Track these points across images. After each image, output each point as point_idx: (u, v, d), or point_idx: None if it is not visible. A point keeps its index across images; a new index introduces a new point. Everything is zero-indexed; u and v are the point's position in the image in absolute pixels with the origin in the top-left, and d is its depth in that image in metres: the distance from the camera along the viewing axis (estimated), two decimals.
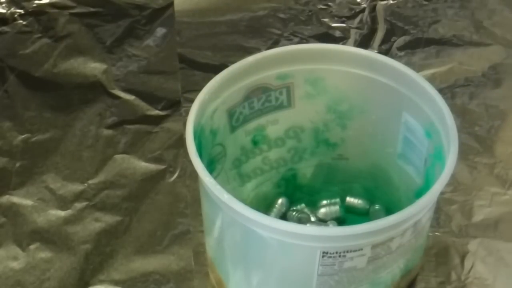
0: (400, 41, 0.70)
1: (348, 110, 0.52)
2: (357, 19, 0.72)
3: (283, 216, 0.55)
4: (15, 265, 0.54)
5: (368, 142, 0.52)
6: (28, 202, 0.57)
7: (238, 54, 0.66)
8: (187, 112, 0.46)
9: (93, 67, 0.67)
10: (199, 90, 0.46)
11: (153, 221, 0.56)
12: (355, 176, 0.55)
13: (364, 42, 0.70)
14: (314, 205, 0.56)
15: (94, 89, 0.66)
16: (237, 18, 0.72)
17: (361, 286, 0.45)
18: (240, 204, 0.41)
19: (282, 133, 0.53)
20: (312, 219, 0.55)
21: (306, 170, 0.55)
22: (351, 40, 0.70)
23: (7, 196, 0.58)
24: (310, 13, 0.72)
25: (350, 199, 0.56)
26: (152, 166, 0.60)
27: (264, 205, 0.55)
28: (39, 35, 0.70)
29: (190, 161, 0.43)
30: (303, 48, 0.51)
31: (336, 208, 0.55)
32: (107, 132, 0.62)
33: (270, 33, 0.71)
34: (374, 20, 0.71)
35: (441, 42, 0.69)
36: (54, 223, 0.56)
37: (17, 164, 0.60)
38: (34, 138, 0.62)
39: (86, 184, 0.59)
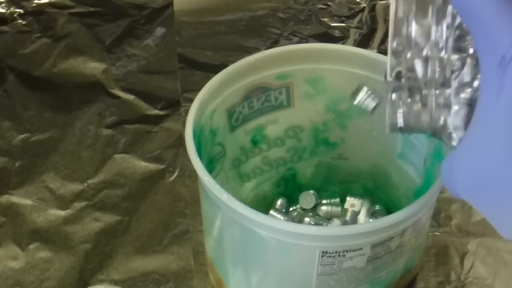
0: None
1: (347, 110, 0.51)
2: (357, 18, 0.72)
3: (283, 216, 0.55)
4: (14, 264, 0.54)
5: (368, 142, 0.52)
6: (27, 201, 0.57)
7: (237, 54, 0.66)
8: (186, 112, 0.46)
9: (93, 67, 0.67)
10: (198, 90, 0.46)
11: (153, 220, 0.56)
12: (355, 176, 0.55)
13: (364, 42, 0.70)
14: (314, 205, 0.56)
15: (93, 89, 0.66)
16: (237, 18, 0.72)
17: (360, 286, 0.45)
18: (240, 204, 0.41)
19: (281, 133, 0.53)
20: (312, 218, 0.55)
21: (305, 169, 0.55)
22: (351, 39, 0.70)
23: (6, 196, 0.58)
24: (309, 13, 0.72)
25: (350, 199, 0.56)
26: (152, 166, 0.60)
27: (263, 205, 0.55)
28: (39, 34, 0.70)
29: (189, 161, 0.43)
30: (302, 47, 0.51)
31: (337, 209, 0.54)
32: (107, 131, 0.62)
33: (270, 32, 0.71)
34: (373, 19, 0.71)
35: None
36: (54, 222, 0.56)
37: (17, 164, 0.60)
38: (34, 138, 0.62)
39: (85, 184, 0.59)
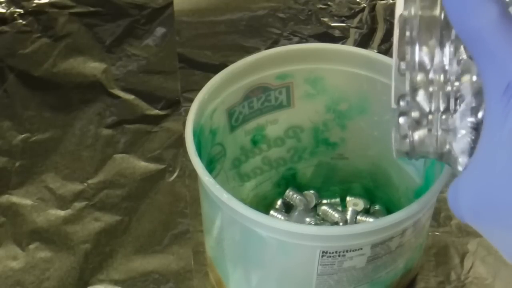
0: None
1: (347, 110, 0.51)
2: (357, 18, 0.72)
3: (283, 216, 0.55)
4: (14, 264, 0.54)
5: (368, 142, 0.52)
6: (27, 201, 0.57)
7: (237, 54, 0.66)
8: (186, 112, 0.46)
9: (93, 67, 0.67)
10: (198, 90, 0.46)
11: (153, 220, 0.56)
12: (355, 176, 0.55)
13: (364, 42, 0.70)
14: (314, 205, 0.56)
15: (93, 89, 0.66)
16: (237, 18, 0.72)
17: (360, 286, 0.45)
18: (240, 204, 0.41)
19: (281, 133, 0.53)
20: (312, 218, 0.55)
21: (306, 169, 0.55)
22: (351, 39, 0.70)
23: (6, 196, 0.58)
24: (309, 13, 0.72)
25: (350, 199, 0.56)
26: (152, 166, 0.60)
27: (263, 205, 0.55)
28: (39, 34, 0.70)
29: (189, 161, 0.43)
30: (302, 47, 0.51)
31: (338, 209, 0.54)
32: (107, 131, 0.62)
33: (270, 32, 0.71)
34: (373, 19, 0.71)
35: None
36: (54, 222, 0.56)
37: (17, 164, 0.60)
38: (34, 138, 0.62)
39: (85, 184, 0.59)
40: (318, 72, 0.50)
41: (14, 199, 0.58)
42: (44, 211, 0.57)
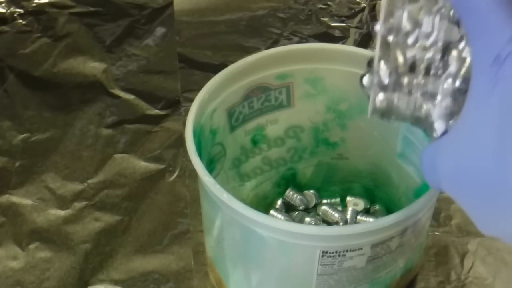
0: None
1: (348, 110, 0.51)
2: (357, 18, 0.72)
3: (283, 216, 0.55)
4: (14, 264, 0.54)
5: (368, 142, 0.52)
6: (27, 201, 0.57)
7: (237, 54, 0.66)
8: (186, 112, 0.46)
9: (93, 67, 0.67)
10: (198, 90, 0.46)
11: (153, 220, 0.56)
12: (355, 176, 0.55)
13: (364, 42, 0.70)
14: (314, 205, 0.56)
15: (93, 89, 0.66)
16: (237, 18, 0.72)
17: (360, 286, 0.45)
18: (240, 204, 0.41)
19: (281, 133, 0.53)
20: (312, 218, 0.55)
21: (306, 169, 0.55)
22: (351, 39, 0.70)
23: (6, 196, 0.58)
24: (309, 13, 0.72)
25: (350, 199, 0.56)
26: (152, 166, 0.60)
27: (264, 205, 0.55)
28: (39, 34, 0.70)
29: (189, 161, 0.43)
30: (302, 47, 0.51)
31: (338, 210, 0.54)
32: (107, 131, 0.62)
33: (270, 32, 0.71)
34: (374, 19, 0.71)
35: None
36: (54, 222, 0.56)
37: (17, 164, 0.60)
38: (34, 138, 0.62)
39: (85, 184, 0.59)
40: (318, 72, 0.50)
41: (14, 199, 0.58)
42: (44, 211, 0.57)
